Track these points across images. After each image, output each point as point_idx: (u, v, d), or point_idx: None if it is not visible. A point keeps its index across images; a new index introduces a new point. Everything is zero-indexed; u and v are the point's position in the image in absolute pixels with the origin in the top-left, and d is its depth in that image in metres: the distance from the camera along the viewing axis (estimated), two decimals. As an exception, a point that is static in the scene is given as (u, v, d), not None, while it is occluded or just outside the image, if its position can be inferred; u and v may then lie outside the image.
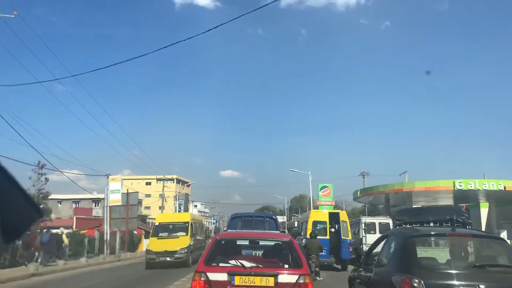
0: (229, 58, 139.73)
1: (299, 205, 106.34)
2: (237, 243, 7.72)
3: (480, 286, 5.10)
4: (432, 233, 6.80)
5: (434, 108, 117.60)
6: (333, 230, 21.30)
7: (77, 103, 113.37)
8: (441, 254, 6.76)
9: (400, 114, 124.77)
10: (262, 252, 7.85)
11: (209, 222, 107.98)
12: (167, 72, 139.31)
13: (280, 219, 57.39)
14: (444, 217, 7.08)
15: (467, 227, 6.96)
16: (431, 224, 7.04)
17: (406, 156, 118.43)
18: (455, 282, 5.20)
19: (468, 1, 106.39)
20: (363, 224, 26.79)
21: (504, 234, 39.56)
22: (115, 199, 32.09)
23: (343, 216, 21.45)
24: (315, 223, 20.51)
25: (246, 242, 7.84)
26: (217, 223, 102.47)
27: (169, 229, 23.19)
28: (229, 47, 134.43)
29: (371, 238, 19.50)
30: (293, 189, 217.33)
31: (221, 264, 6.45)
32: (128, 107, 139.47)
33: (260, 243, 7.88)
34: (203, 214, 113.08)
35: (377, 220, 27.80)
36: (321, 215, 21.82)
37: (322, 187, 44.46)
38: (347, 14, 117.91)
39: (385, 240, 7.07)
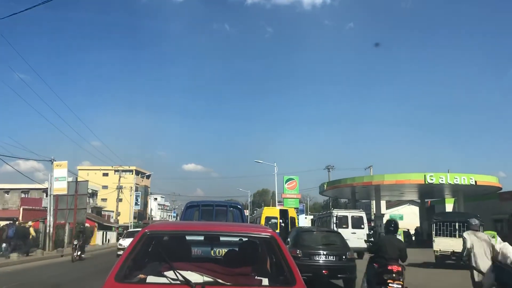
0: (194, 51, 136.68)
1: (262, 200, 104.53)
2: (184, 240, 4.70)
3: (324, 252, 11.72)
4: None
5: (398, 105, 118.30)
6: (283, 224, 23.08)
7: (32, 93, 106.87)
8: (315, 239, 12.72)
9: (365, 110, 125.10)
10: (224, 255, 5.03)
11: (169, 215, 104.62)
12: (130, 63, 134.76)
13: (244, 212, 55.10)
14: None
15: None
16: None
17: (371, 150, 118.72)
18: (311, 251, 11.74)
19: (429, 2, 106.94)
20: (334, 218, 25.01)
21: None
22: (60, 187, 28.77)
23: (292, 212, 24.34)
24: (267, 218, 22.97)
25: (199, 239, 5.26)
26: (177, 217, 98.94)
27: None
28: (195, 40, 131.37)
29: (343, 232, 17.39)
30: (258, 182, 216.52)
31: (150, 279, 3.49)
32: (90, 99, 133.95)
33: (222, 240, 5.37)
34: (163, 208, 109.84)
35: (349, 214, 26.01)
36: (273, 211, 24.97)
37: (288, 180, 42.62)
38: (313, 13, 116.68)
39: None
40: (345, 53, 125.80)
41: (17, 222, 30.47)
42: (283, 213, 23.89)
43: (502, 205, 40.62)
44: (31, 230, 26.84)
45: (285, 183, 42.37)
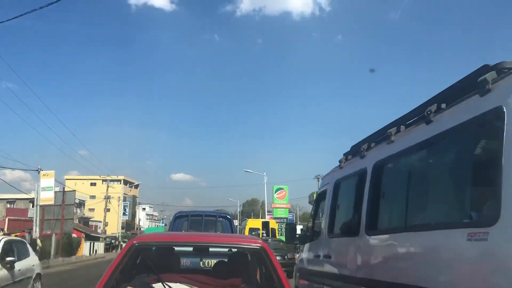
0: (183, 61, 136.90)
1: (251, 209, 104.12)
2: (173, 251, 4.70)
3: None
4: None
5: (387, 115, 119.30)
6: (264, 234, 25.43)
7: (19, 101, 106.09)
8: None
9: (355, 120, 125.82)
10: (214, 266, 4.89)
11: (157, 225, 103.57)
12: (119, 73, 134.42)
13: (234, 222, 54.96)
14: None
15: None
16: None
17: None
18: None
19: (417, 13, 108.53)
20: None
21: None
22: (46, 197, 28.38)
23: (272, 224, 28.01)
24: (251, 230, 25.36)
25: (188, 250, 5.13)
26: (166, 227, 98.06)
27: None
28: (184, 50, 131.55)
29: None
30: (247, 192, 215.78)
31: None
32: (78, 108, 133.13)
33: (211, 251, 5.26)
34: (151, 218, 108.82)
35: None
36: (256, 223, 27.89)
37: (278, 189, 42.58)
38: (302, 25, 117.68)
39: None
40: (333, 63, 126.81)
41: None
42: (265, 224, 26.83)
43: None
44: (38, 241, 27.15)
45: (275, 192, 42.37)
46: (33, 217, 30.50)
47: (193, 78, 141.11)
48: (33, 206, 51.17)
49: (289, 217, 48.16)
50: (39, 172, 29.20)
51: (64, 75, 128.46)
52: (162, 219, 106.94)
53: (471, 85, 3.34)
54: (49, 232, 29.85)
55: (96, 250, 47.18)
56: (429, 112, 3.86)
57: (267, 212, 46.10)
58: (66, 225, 30.30)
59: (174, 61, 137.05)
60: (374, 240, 4.71)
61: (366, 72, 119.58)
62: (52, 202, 28.99)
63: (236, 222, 64.34)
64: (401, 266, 4.00)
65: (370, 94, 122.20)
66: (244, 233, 23.85)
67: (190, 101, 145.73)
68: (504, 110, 2.89)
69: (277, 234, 28.34)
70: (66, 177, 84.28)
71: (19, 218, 48.40)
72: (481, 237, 2.80)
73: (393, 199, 4.73)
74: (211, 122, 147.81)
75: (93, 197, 69.78)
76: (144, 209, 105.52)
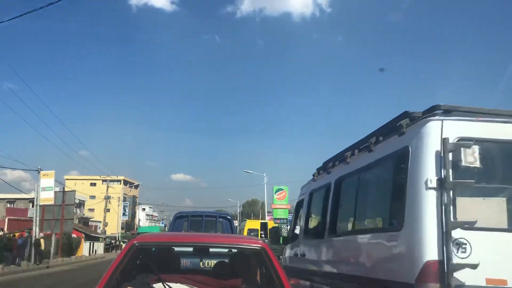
0: (184, 61, 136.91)
1: (251, 210, 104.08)
2: (173, 252, 4.70)
3: None
4: None
5: (387, 116, 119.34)
6: (263, 235, 25.30)
7: (20, 102, 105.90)
8: None
9: (354, 121, 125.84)
10: (214, 267, 4.88)
11: (157, 226, 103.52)
12: (120, 73, 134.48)
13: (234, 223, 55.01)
14: None
15: None
16: None
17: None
18: None
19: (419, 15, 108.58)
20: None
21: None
22: (46, 197, 28.33)
23: (270, 224, 26.57)
24: (249, 231, 25.82)
25: (188, 250, 5.13)
26: (166, 227, 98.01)
27: None
28: (184, 51, 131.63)
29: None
30: (247, 192, 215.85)
31: None
32: (79, 109, 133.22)
33: (211, 252, 5.23)
34: (151, 218, 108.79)
35: None
36: (255, 224, 28.50)
37: (277, 190, 42.47)
38: (303, 26, 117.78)
39: None
40: (333, 64, 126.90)
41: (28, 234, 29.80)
42: (264, 226, 26.98)
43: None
44: (42, 241, 27.88)
45: (275, 193, 42.26)
46: (33, 217, 30.48)
47: (194, 79, 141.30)
48: (33, 206, 51.26)
49: (289, 218, 48.08)
50: (39, 172, 29.17)
51: (64, 75, 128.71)
52: (162, 219, 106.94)
53: (395, 127, 4.48)
54: (49, 232, 29.84)
55: (96, 250, 47.19)
56: (370, 143, 5.10)
57: (267, 212, 46.04)
58: (66, 225, 30.30)
59: (174, 61, 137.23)
60: (334, 241, 5.90)
61: (366, 72, 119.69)
62: (52, 202, 28.95)
63: (236, 223, 64.39)
64: (350, 261, 5.21)
65: (371, 94, 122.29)
66: (242, 234, 24.09)
67: (190, 102, 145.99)
68: (409, 148, 4.10)
69: None
70: (66, 177, 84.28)
71: (19, 218, 48.39)
72: (395, 238, 4.12)
73: (346, 209, 5.86)
74: (212, 122, 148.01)
75: (93, 197, 69.78)
76: (144, 209, 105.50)
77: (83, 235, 46.45)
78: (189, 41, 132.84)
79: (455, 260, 3.58)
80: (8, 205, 58.71)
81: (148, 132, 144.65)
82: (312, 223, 7.37)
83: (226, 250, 4.85)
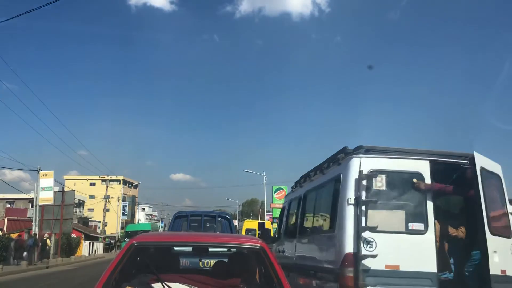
0: (183, 61, 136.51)
1: (251, 209, 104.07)
2: (172, 251, 4.74)
3: None
4: None
5: (386, 117, 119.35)
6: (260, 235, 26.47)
7: (19, 102, 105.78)
8: None
9: (353, 122, 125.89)
10: (213, 266, 4.90)
11: (158, 226, 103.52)
12: (118, 73, 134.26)
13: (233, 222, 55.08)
14: None
15: None
16: None
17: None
18: None
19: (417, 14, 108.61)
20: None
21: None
22: (46, 197, 28.35)
23: (268, 225, 26.96)
24: (247, 230, 26.82)
25: (187, 249, 5.12)
26: (165, 227, 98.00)
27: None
28: (184, 51, 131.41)
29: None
30: (247, 192, 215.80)
31: None
32: (78, 108, 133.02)
33: (210, 251, 5.25)
34: (150, 218, 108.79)
35: None
36: (252, 223, 29.09)
37: (277, 189, 42.51)
38: (302, 26, 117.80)
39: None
40: (333, 64, 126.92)
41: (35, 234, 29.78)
42: (261, 226, 27.02)
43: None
44: (48, 241, 29.20)
45: (274, 192, 42.30)
46: (32, 217, 30.49)
47: (193, 78, 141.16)
48: (32, 206, 51.32)
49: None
50: (38, 172, 29.18)
51: (62, 74, 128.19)
52: (162, 219, 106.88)
53: (336, 159, 6.35)
54: (48, 232, 29.86)
55: (95, 250, 47.16)
56: (323, 167, 7.06)
57: (267, 212, 46.06)
58: (65, 225, 30.30)
59: (173, 61, 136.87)
60: (301, 240, 7.73)
61: (365, 73, 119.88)
62: (51, 202, 28.95)
63: (235, 222, 64.54)
64: (310, 254, 6.96)
65: (370, 95, 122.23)
66: (240, 233, 24.35)
67: (189, 101, 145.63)
68: (341, 176, 5.82)
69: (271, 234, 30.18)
70: (65, 177, 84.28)
71: (19, 218, 48.37)
72: (331, 237, 5.82)
73: (308, 216, 7.72)
74: (211, 122, 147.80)
75: (92, 197, 69.74)
76: (143, 209, 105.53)
77: (83, 235, 46.45)
78: (188, 41, 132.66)
79: (364, 252, 5.22)
80: (8, 205, 58.70)
81: (148, 131, 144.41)
82: (289, 226, 9.18)
83: (225, 249, 4.86)
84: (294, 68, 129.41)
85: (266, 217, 42.06)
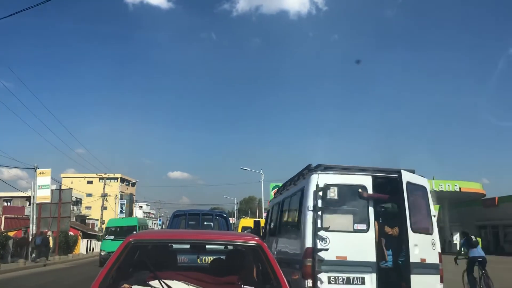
0: (181, 59, 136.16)
1: (248, 207, 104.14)
2: (169, 249, 4.74)
3: None
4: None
5: (382, 113, 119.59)
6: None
7: (16, 100, 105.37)
8: None
9: (351, 118, 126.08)
10: (211, 264, 4.93)
11: (154, 223, 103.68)
12: (116, 71, 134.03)
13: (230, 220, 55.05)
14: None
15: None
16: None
17: (358, 157, 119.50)
18: None
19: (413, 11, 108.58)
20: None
21: (457, 237, 39.15)
22: (43, 195, 28.30)
23: (263, 223, 28.32)
24: (243, 228, 27.12)
25: (185, 247, 5.11)
26: (163, 225, 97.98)
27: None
28: (182, 49, 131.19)
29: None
30: (245, 189, 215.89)
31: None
32: (75, 106, 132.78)
33: (208, 249, 5.31)
34: (148, 215, 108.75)
35: None
36: (248, 222, 29.55)
37: (274, 187, 42.44)
38: (299, 24, 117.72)
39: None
40: (330, 62, 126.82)
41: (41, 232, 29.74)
42: (257, 224, 27.21)
43: (485, 211, 41.14)
44: (50, 239, 29.24)
45: (272, 190, 42.30)
46: (29, 215, 30.41)
47: (190, 76, 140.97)
48: (29, 204, 51.13)
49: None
50: (35, 170, 29.10)
51: (60, 72, 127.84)
52: (159, 216, 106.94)
53: (303, 174, 7.82)
54: (46, 230, 29.82)
55: (93, 248, 47.07)
56: (294, 179, 8.56)
57: (264, 210, 46.06)
58: (62, 223, 30.27)
59: (171, 58, 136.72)
60: (279, 238, 9.11)
61: (362, 71, 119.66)
62: (48, 200, 28.90)
63: (233, 220, 64.61)
64: (285, 249, 8.28)
65: (366, 93, 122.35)
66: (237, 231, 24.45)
67: (187, 99, 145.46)
68: (304, 188, 7.27)
69: None
70: (62, 175, 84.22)
71: (16, 216, 48.22)
72: (297, 236, 7.23)
73: (283, 219, 9.41)
74: (208, 120, 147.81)
75: (90, 195, 69.64)
76: (141, 207, 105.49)
77: (80, 233, 46.35)
78: (186, 39, 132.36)
79: (320, 247, 6.66)
80: (5, 204, 58.54)
81: (145, 129, 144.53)
82: (272, 226, 10.56)
83: (223, 247, 4.86)
84: (292, 66, 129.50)
85: (264, 215, 42.04)
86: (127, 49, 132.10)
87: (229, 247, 4.52)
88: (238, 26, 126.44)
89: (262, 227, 12.67)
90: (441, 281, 7.13)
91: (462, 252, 12.65)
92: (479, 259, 11.75)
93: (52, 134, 76.29)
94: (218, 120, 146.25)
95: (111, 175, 70.74)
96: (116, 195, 66.70)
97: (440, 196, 39.97)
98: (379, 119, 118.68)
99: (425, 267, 6.84)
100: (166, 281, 3.36)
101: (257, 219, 30.27)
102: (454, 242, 38.49)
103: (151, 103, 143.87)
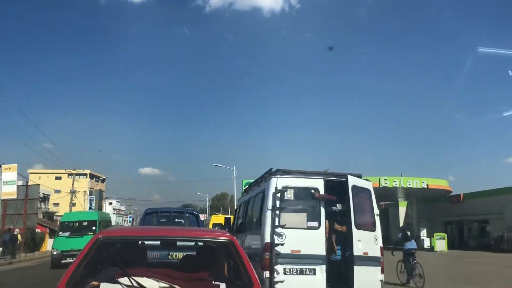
0: (152, 54, 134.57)
1: (221, 203, 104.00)
2: (139, 245, 4.67)
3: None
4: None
5: (352, 111, 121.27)
6: (226, 230, 28.60)
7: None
8: None
9: (321, 116, 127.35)
10: (182, 260, 4.90)
11: (124, 220, 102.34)
12: (85, 63, 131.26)
13: (201, 217, 54.78)
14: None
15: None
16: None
17: (328, 155, 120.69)
18: None
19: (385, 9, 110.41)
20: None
21: (424, 233, 40.13)
22: (8, 191, 27.53)
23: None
24: (214, 225, 27.65)
25: (156, 243, 5.05)
26: (133, 222, 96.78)
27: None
28: (154, 43, 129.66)
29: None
30: (218, 186, 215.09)
31: (103, 286, 3.32)
32: (43, 100, 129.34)
33: (179, 245, 5.33)
34: (118, 212, 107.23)
35: None
36: (219, 219, 30.35)
37: (247, 183, 42.47)
38: (272, 21, 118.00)
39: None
40: (302, 59, 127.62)
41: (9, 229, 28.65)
42: (228, 221, 27.55)
43: (451, 207, 42.30)
44: (19, 236, 28.34)
45: (244, 186, 42.36)
46: (-7, 212, 29.52)
47: (162, 71, 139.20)
48: (-6, 201, 49.46)
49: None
50: (0, 166, 28.28)
51: (27, 65, 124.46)
52: (130, 213, 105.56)
53: (265, 177, 8.70)
54: (12, 227, 29.01)
55: (61, 246, 46.08)
56: (258, 181, 9.59)
57: (236, 206, 46.05)
58: (29, 220, 29.45)
59: (143, 53, 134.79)
60: (245, 234, 9.73)
61: (336, 67, 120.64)
62: (14, 197, 28.13)
63: (205, 217, 64.45)
64: (249, 244, 8.95)
65: (340, 89, 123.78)
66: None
67: (159, 95, 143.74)
68: (265, 190, 8.09)
69: None
70: (30, 171, 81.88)
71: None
72: (259, 232, 7.91)
73: (248, 217, 10.17)
74: (180, 115, 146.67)
75: (58, 191, 68.13)
76: (111, 203, 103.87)
77: (48, 230, 45.29)
78: (158, 33, 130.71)
79: (277, 242, 7.37)
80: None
81: (116, 125, 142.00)
82: (239, 223, 11.30)
83: (193, 243, 4.84)
84: (264, 63, 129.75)
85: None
86: (98, 42, 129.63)
87: (200, 243, 4.51)
88: (211, 22, 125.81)
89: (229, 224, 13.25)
90: (382, 271, 8.03)
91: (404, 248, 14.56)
92: (412, 251, 14.06)
93: (19, 129, 74.25)
94: (190, 115, 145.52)
95: (80, 171, 69.39)
96: (85, 191, 65.44)
97: (408, 193, 40.89)
98: (349, 118, 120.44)
99: (368, 260, 7.71)
100: (136, 278, 3.31)
101: (228, 216, 30.52)
102: (421, 237, 39.40)
103: (122, 98, 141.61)
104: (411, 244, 14.30)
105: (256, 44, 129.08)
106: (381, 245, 8.22)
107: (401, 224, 49.54)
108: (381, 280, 7.98)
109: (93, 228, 21.36)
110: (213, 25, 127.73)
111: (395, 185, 36.07)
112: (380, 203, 50.45)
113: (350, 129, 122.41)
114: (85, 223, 22.65)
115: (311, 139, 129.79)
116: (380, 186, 35.85)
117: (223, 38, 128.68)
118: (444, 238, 36.85)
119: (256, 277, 3.56)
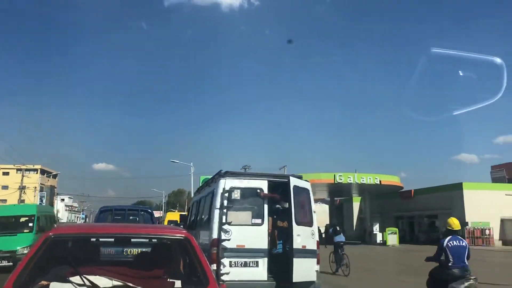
0: (108, 46, 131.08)
1: (177, 200, 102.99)
2: (92, 243, 4.44)
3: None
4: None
5: (309, 107, 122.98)
6: (182, 227, 28.21)
7: None
8: None
9: (279, 112, 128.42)
10: (136, 257, 4.80)
11: (77, 217, 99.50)
12: (36, 57, 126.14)
13: (157, 214, 53.84)
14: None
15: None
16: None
17: (285, 151, 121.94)
18: None
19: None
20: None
21: (376, 227, 41.38)
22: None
23: None
24: (169, 222, 27.87)
25: (109, 240, 4.92)
26: (86, 219, 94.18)
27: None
28: (109, 36, 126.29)
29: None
30: (174, 182, 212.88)
31: (53, 286, 3.22)
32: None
33: (134, 242, 5.12)
34: (70, 209, 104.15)
35: None
36: (174, 215, 30.06)
37: (204, 180, 42.25)
38: (231, 16, 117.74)
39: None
40: (260, 54, 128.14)
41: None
42: (183, 217, 27.77)
43: (403, 203, 43.87)
44: None
45: (201, 183, 42.14)
46: None
47: (119, 65, 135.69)
48: None
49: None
50: None
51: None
52: (83, 210, 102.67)
53: (214, 178, 9.18)
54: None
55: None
56: (209, 182, 10.00)
57: (193, 202, 45.72)
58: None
59: (98, 46, 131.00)
60: (198, 231, 9.93)
61: (295, 65, 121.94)
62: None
63: (161, 214, 63.58)
64: (201, 240, 9.01)
65: (296, 88, 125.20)
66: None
67: (114, 88, 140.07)
68: (214, 190, 8.68)
69: None
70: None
71: None
72: (208, 228, 8.46)
73: (201, 214, 10.44)
74: (136, 110, 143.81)
75: (5, 187, 65.45)
76: (63, 200, 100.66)
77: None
78: (114, 27, 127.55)
79: (223, 237, 8.01)
80: None
81: (68, 119, 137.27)
82: (192, 220, 11.96)
83: (148, 240, 4.78)
84: (223, 58, 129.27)
85: (193, 208, 41.83)
86: (50, 34, 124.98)
87: (154, 240, 4.45)
88: (169, 16, 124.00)
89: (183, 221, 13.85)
90: (318, 262, 8.92)
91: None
92: (341, 243, 15.92)
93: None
94: (146, 111, 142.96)
95: (30, 166, 66.89)
96: (36, 188, 63.10)
97: (362, 189, 42.00)
98: (306, 117, 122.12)
99: (305, 252, 8.51)
100: (88, 276, 3.24)
101: (183, 213, 30.64)
102: (374, 232, 40.57)
103: (75, 91, 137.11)
104: (340, 237, 16.15)
105: (215, 39, 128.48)
106: (318, 239, 9.09)
107: (355, 219, 51.15)
108: (316, 271, 8.81)
109: (30, 224, 17.11)
110: (172, 19, 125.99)
111: (349, 181, 36.92)
112: (335, 198, 51.71)
113: (306, 127, 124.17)
114: (21, 219, 17.98)
115: (269, 138, 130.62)
116: (335, 182, 36.62)
117: (181, 33, 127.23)
118: (395, 233, 38.16)
119: (212, 273, 3.57)
